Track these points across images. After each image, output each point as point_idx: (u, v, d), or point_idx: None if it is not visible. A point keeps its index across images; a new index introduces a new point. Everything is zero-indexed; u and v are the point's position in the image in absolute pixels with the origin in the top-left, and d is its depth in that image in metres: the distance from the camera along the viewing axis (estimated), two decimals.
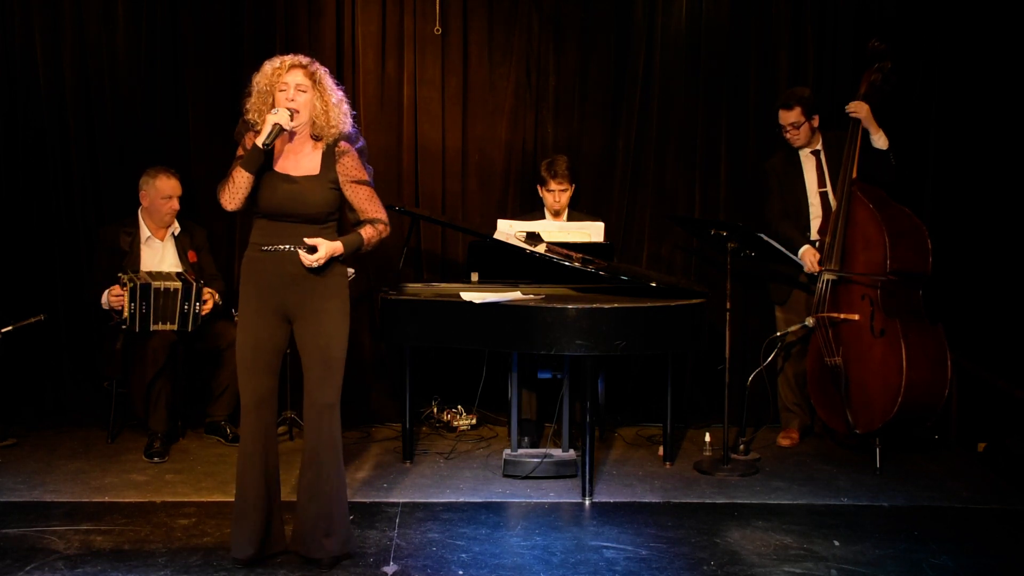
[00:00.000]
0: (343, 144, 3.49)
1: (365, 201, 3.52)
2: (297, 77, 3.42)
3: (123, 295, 4.75)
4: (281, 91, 3.41)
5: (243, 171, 3.37)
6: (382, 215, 3.55)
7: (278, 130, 3.36)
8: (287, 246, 3.41)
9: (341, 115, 3.47)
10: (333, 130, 3.45)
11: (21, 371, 5.30)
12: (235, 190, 3.38)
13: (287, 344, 3.53)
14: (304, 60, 3.47)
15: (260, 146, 3.34)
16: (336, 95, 3.47)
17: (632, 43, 5.55)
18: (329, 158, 3.47)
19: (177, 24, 5.44)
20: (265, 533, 3.47)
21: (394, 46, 5.52)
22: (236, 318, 3.51)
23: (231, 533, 3.52)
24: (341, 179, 3.48)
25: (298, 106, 3.40)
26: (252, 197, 3.42)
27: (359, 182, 3.50)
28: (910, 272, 4.68)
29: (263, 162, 3.39)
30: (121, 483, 4.39)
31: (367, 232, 3.49)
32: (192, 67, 5.43)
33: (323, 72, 3.48)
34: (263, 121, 3.38)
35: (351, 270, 5.01)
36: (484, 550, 3.65)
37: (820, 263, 4.86)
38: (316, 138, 3.48)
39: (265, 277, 3.44)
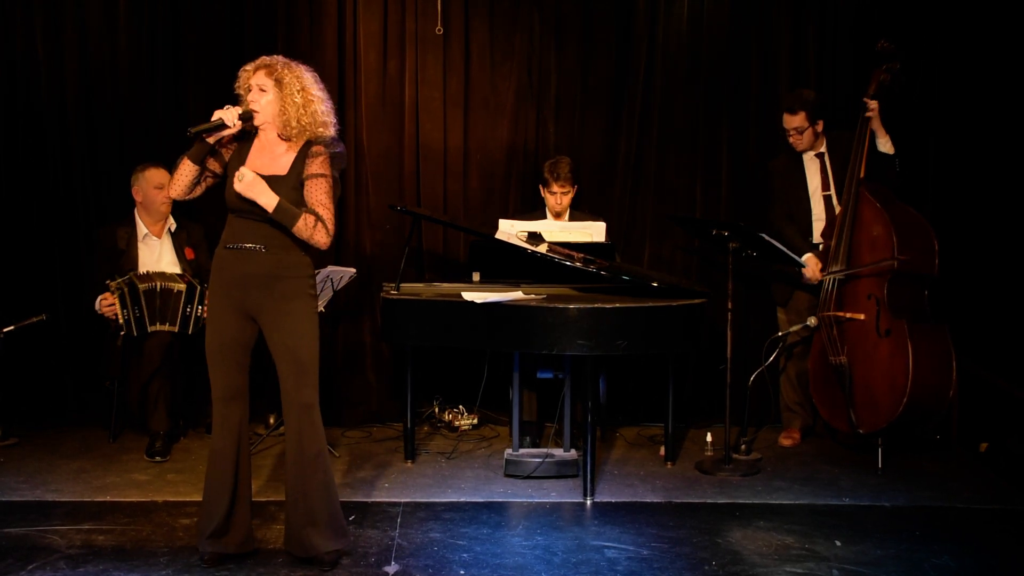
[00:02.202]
0: (317, 147, 3.45)
1: (314, 193, 3.40)
2: (260, 78, 3.43)
3: (114, 303, 4.76)
4: (248, 91, 3.45)
5: (187, 160, 3.42)
6: (325, 215, 3.39)
7: (217, 125, 3.38)
8: (249, 245, 3.43)
9: (306, 116, 3.41)
10: (293, 131, 3.41)
11: (22, 371, 5.29)
12: (177, 177, 3.45)
13: (255, 341, 3.52)
14: (269, 60, 3.46)
15: (189, 133, 3.39)
16: (302, 96, 3.40)
17: (633, 43, 5.55)
18: (301, 160, 3.44)
19: (178, 24, 5.44)
20: (230, 531, 3.48)
21: (395, 46, 5.52)
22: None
23: (197, 529, 3.53)
24: (304, 176, 3.43)
25: (257, 107, 3.42)
26: (221, 193, 3.47)
27: (316, 176, 3.42)
28: (917, 272, 4.68)
29: (236, 158, 3.45)
30: (123, 482, 4.39)
31: (305, 218, 3.37)
32: (193, 67, 5.43)
33: (289, 73, 3.41)
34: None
35: (351, 270, 5.03)
36: (486, 550, 3.65)
37: (822, 271, 4.86)
38: (286, 139, 3.46)
39: (229, 274, 3.45)
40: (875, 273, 4.66)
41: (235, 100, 3.52)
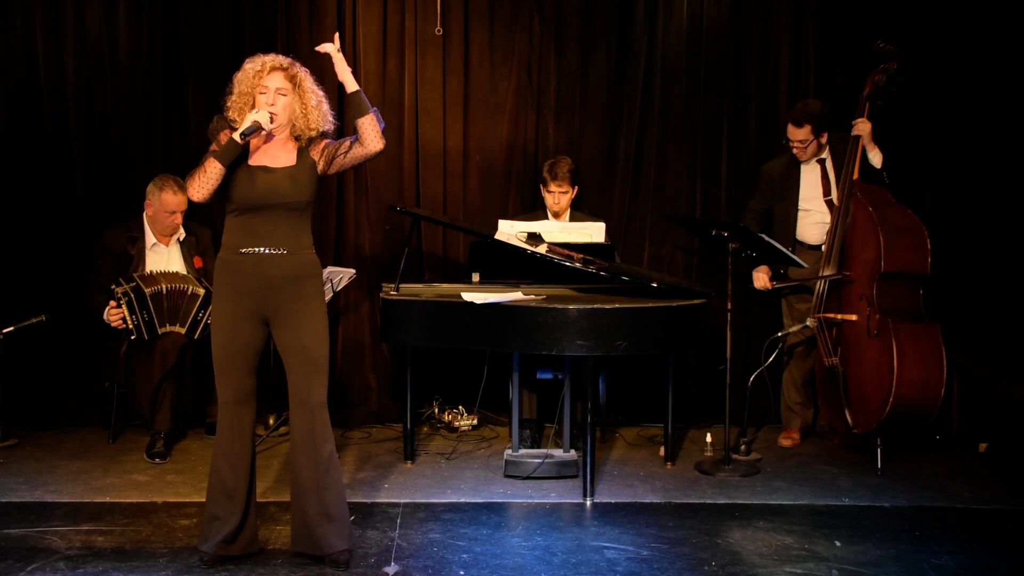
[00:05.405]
0: (320, 140, 3.53)
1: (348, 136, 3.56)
2: (277, 80, 3.42)
3: (122, 311, 4.74)
4: (261, 94, 3.41)
5: (216, 162, 3.36)
6: None
7: (255, 127, 3.37)
8: (265, 248, 3.41)
9: (320, 116, 3.49)
10: (312, 132, 3.48)
11: (23, 372, 5.28)
12: (205, 180, 3.36)
13: (264, 344, 3.52)
14: (285, 62, 3.47)
15: (236, 139, 3.35)
16: (316, 96, 3.49)
17: (633, 43, 5.55)
18: (304, 151, 3.50)
19: (178, 25, 5.43)
20: (237, 532, 3.48)
21: (395, 47, 5.52)
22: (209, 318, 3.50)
23: (201, 529, 3.52)
24: (321, 154, 3.49)
25: (277, 110, 3.41)
26: (227, 193, 3.42)
27: (328, 135, 3.55)
28: (908, 272, 4.68)
29: (237, 157, 3.39)
30: (122, 483, 4.39)
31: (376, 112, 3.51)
32: (193, 68, 5.43)
33: (304, 74, 3.49)
34: (243, 119, 3.40)
35: (352, 271, 5.04)
36: (485, 550, 3.65)
37: (772, 279, 5.04)
38: (296, 138, 3.50)
39: (243, 279, 3.42)
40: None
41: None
